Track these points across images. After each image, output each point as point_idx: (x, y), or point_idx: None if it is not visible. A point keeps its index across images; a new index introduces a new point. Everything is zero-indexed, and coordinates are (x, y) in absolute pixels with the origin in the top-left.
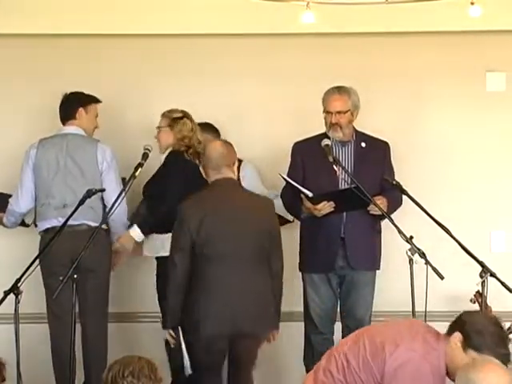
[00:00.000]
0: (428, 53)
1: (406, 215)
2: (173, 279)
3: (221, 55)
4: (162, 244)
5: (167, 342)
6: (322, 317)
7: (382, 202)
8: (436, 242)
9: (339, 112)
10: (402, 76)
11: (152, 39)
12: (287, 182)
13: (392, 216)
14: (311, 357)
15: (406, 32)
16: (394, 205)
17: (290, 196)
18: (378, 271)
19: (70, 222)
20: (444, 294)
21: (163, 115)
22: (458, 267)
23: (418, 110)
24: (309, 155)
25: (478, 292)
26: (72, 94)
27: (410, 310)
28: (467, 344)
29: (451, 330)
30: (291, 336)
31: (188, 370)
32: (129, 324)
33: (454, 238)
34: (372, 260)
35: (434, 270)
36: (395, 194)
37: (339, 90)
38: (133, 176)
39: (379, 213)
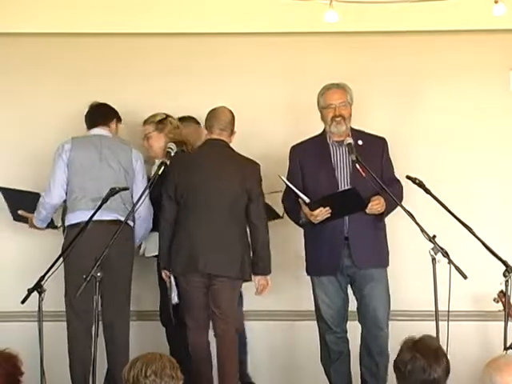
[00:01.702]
0: (451, 51)
1: (426, 214)
2: (162, 225)
3: (240, 54)
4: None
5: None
6: (334, 317)
7: (378, 201)
8: (458, 241)
9: (341, 104)
10: (424, 75)
11: (171, 38)
12: (287, 185)
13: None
14: (328, 357)
15: (428, 31)
16: (394, 202)
17: (291, 201)
18: (394, 271)
19: (104, 218)
20: (467, 294)
21: (147, 122)
22: (480, 266)
23: (442, 109)
24: (306, 157)
25: (501, 291)
26: (107, 105)
27: (433, 309)
28: None
29: None
30: (305, 336)
31: (175, 299)
32: (146, 322)
33: (478, 237)
34: (378, 257)
35: (457, 269)
36: (394, 190)
37: (337, 84)
38: (156, 174)
39: (379, 212)
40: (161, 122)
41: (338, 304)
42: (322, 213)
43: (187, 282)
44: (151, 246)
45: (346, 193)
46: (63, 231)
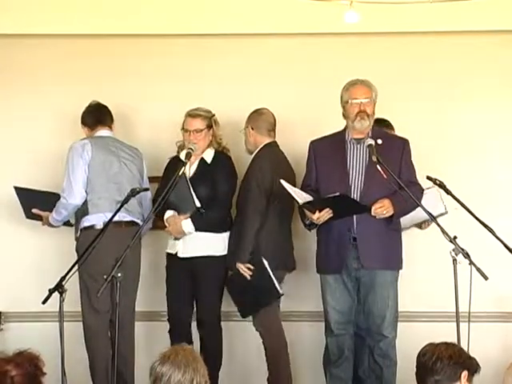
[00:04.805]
0: (476, 53)
1: (447, 215)
2: (253, 226)
3: (260, 55)
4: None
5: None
6: (338, 320)
7: (381, 205)
8: (479, 242)
9: (366, 99)
10: (446, 76)
11: (194, 39)
12: (284, 187)
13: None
14: (327, 358)
15: (450, 32)
16: (407, 204)
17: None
18: (415, 272)
19: (122, 219)
20: (488, 295)
21: (196, 116)
22: (502, 267)
23: (467, 110)
24: (322, 154)
25: None
26: (106, 107)
27: (453, 310)
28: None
29: None
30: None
31: (280, 291)
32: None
33: (499, 239)
34: (387, 259)
35: (478, 270)
36: (411, 192)
37: (362, 80)
38: (177, 175)
39: (385, 216)
40: (210, 119)
41: (343, 307)
42: (323, 215)
43: (281, 276)
44: (189, 247)
45: (336, 199)
46: (75, 232)
